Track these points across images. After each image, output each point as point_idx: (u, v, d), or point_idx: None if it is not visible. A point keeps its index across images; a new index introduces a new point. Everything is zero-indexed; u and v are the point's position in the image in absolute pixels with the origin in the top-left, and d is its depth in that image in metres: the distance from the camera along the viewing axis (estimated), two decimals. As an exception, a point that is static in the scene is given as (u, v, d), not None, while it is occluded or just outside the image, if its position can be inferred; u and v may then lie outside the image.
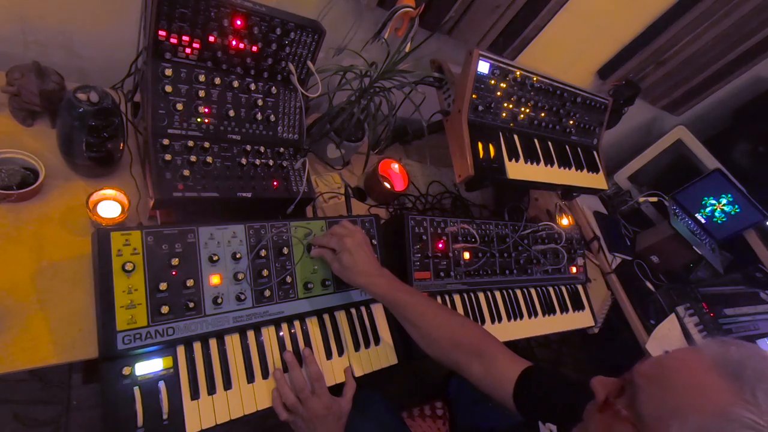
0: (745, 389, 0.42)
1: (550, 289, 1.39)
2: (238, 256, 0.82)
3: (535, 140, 1.32)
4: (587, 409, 0.57)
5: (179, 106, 0.84)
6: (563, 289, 1.42)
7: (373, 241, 1.00)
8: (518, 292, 1.30)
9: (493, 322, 1.20)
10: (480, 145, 1.16)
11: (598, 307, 1.52)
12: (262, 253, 0.85)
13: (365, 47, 1.10)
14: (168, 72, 0.82)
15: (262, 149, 0.93)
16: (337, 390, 0.87)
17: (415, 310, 0.85)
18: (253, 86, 0.93)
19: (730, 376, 0.43)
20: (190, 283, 0.76)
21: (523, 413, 0.75)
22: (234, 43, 0.87)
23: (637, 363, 0.51)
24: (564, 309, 1.38)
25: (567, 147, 1.41)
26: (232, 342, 0.81)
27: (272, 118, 0.95)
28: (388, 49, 1.06)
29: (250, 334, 0.83)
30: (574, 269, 1.45)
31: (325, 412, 0.81)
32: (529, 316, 1.29)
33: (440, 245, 1.13)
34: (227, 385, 0.77)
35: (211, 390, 0.75)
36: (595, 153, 1.51)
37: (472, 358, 0.81)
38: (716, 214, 1.83)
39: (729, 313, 1.69)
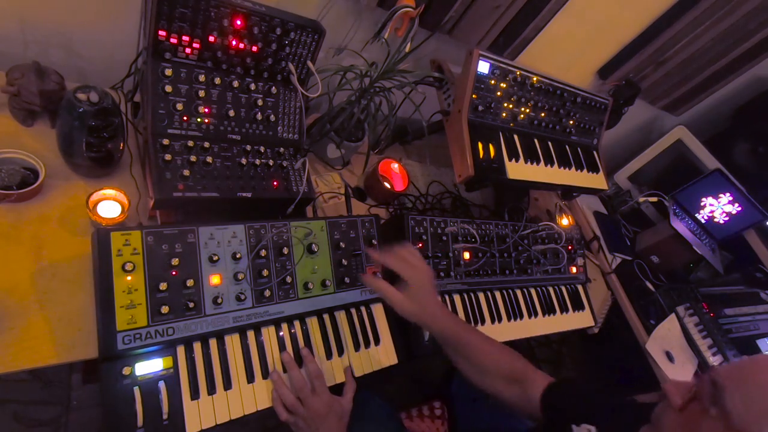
0: None
1: (550, 289, 1.39)
2: (238, 256, 0.82)
3: (535, 140, 1.32)
4: (656, 412, 0.61)
5: (179, 106, 0.84)
6: (563, 289, 1.42)
7: (372, 241, 1.00)
8: (518, 292, 1.30)
9: (493, 322, 1.20)
10: (480, 145, 1.16)
11: (598, 307, 1.52)
12: (262, 253, 0.85)
13: (365, 47, 1.10)
14: (168, 72, 0.82)
15: (262, 149, 0.93)
16: (336, 390, 0.86)
17: (469, 344, 0.86)
18: (253, 86, 0.93)
19: None
20: (190, 283, 0.76)
21: (550, 415, 0.78)
22: (234, 43, 0.87)
23: (713, 369, 0.55)
24: (564, 309, 1.38)
25: (567, 147, 1.41)
26: (232, 342, 0.81)
27: (272, 118, 0.95)
28: (388, 49, 1.06)
29: (250, 334, 0.83)
30: (574, 269, 1.45)
31: (327, 410, 0.80)
32: (529, 316, 1.29)
33: (440, 245, 1.13)
34: (227, 385, 0.77)
35: (211, 390, 0.75)
36: (595, 153, 1.51)
37: (513, 385, 0.85)
38: (716, 214, 1.83)
39: (729, 313, 1.69)
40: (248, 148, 0.92)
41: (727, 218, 1.82)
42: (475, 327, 1.14)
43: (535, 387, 0.82)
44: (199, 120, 0.87)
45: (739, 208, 1.78)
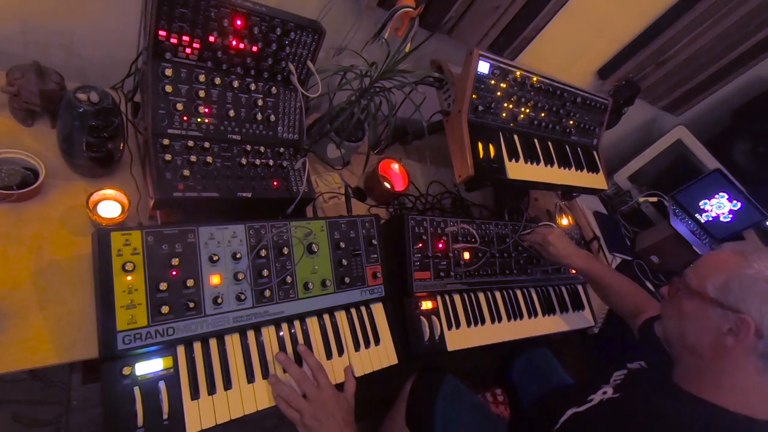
0: (747, 257, 0.71)
1: (550, 289, 1.39)
2: (238, 256, 0.82)
3: (535, 140, 1.32)
4: (660, 305, 0.90)
5: (179, 106, 0.84)
6: (563, 289, 1.42)
7: (372, 241, 1.00)
8: (518, 292, 1.30)
9: (493, 322, 1.20)
10: (480, 145, 1.16)
11: (597, 307, 1.52)
12: (262, 253, 0.85)
13: (365, 47, 1.10)
14: (168, 72, 0.82)
15: (262, 149, 0.93)
16: (337, 390, 0.86)
17: (605, 280, 1.21)
18: (253, 86, 0.93)
19: (738, 254, 0.73)
20: (190, 283, 0.76)
21: (642, 338, 1.08)
22: (234, 43, 0.87)
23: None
24: (564, 309, 1.38)
25: (567, 147, 1.41)
26: (232, 342, 0.81)
27: (272, 118, 0.95)
28: (388, 49, 1.06)
29: (250, 334, 0.83)
30: (574, 269, 1.45)
31: (333, 403, 0.80)
32: (529, 316, 1.29)
33: (440, 245, 1.13)
34: (227, 385, 0.77)
35: (212, 390, 0.75)
36: (595, 153, 1.51)
37: (634, 318, 1.15)
38: (716, 213, 1.83)
39: (729, 313, 1.68)
40: (248, 148, 0.92)
41: (726, 218, 1.82)
42: (477, 326, 1.16)
43: (642, 317, 1.10)
44: (199, 120, 0.87)
45: (739, 208, 1.78)
